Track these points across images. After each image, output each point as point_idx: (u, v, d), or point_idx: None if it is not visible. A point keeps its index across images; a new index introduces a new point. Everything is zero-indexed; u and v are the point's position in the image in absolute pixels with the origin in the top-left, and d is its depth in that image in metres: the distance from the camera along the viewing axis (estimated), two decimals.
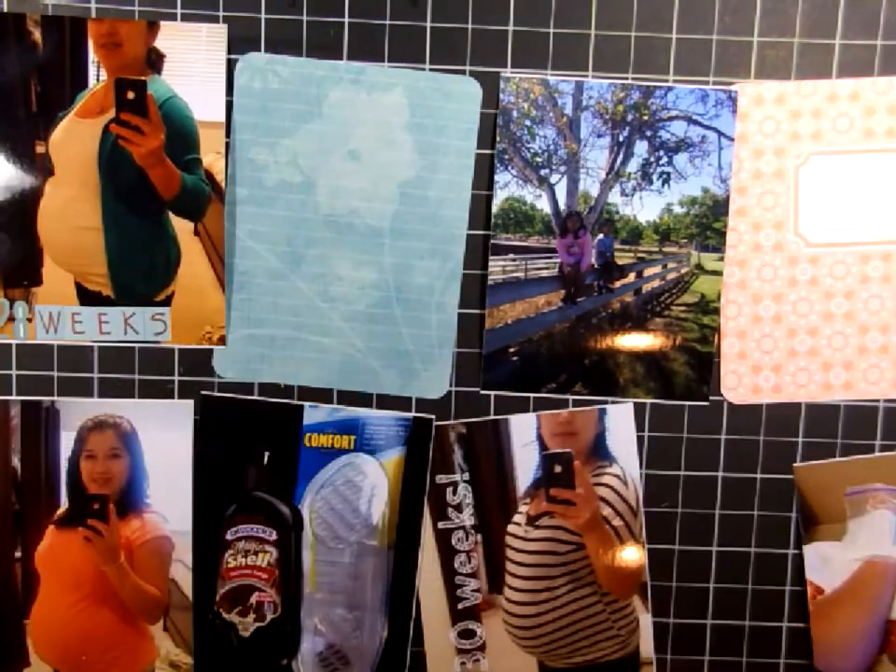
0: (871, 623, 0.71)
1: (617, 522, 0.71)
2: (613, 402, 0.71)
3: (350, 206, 0.69)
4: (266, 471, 0.71)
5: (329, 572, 0.72)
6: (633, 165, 0.69)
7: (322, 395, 0.71)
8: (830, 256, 0.69)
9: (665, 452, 0.71)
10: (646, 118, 0.68)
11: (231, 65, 0.67)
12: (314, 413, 0.71)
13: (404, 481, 0.71)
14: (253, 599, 0.71)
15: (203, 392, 0.71)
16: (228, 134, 0.68)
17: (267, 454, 0.71)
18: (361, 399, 0.71)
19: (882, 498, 0.71)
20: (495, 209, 0.69)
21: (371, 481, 0.71)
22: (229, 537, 0.71)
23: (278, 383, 0.71)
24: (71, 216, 0.68)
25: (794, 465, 0.71)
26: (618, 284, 0.71)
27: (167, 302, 0.70)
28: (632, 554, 0.71)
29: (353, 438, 0.71)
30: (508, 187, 0.69)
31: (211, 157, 0.68)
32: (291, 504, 0.71)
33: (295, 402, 0.71)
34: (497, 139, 0.68)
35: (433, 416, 0.71)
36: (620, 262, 0.70)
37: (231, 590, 0.71)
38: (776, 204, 0.68)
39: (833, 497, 0.71)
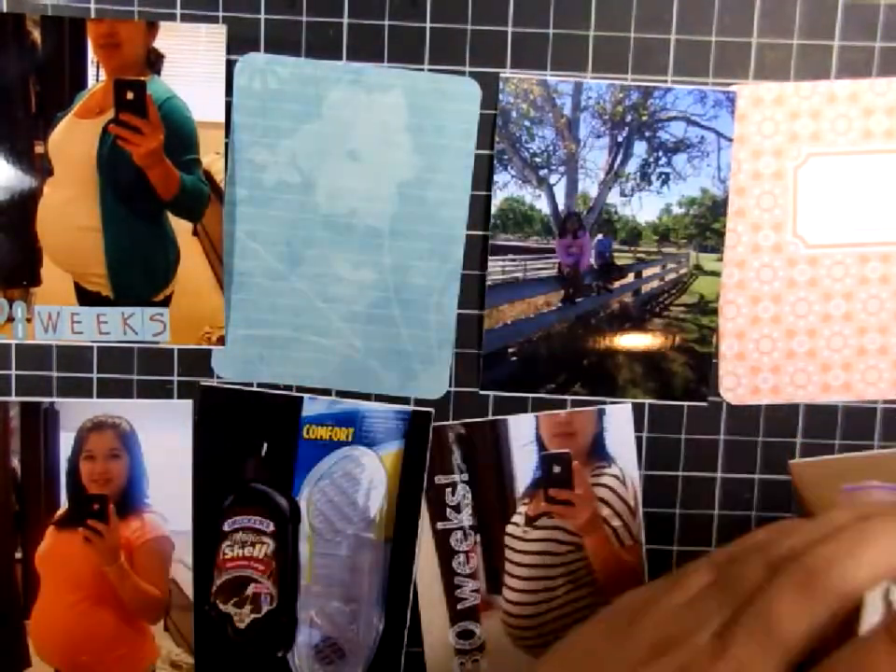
0: None
1: (616, 522, 0.71)
2: (612, 403, 0.71)
3: (349, 207, 0.69)
4: (264, 463, 0.71)
5: (325, 564, 0.72)
6: (632, 166, 0.69)
7: (320, 394, 0.71)
8: (828, 257, 0.69)
9: (664, 452, 0.71)
10: (645, 118, 0.68)
11: (230, 66, 0.67)
12: (313, 405, 0.71)
13: (402, 474, 0.71)
14: (249, 591, 0.71)
15: (203, 383, 0.71)
16: (227, 135, 0.68)
17: (265, 445, 0.71)
18: (360, 398, 0.71)
19: (878, 496, 0.71)
20: (494, 209, 0.69)
21: (370, 473, 0.71)
22: (226, 528, 0.71)
23: (277, 383, 0.71)
24: (70, 216, 0.68)
25: (791, 462, 0.71)
26: (617, 284, 0.71)
27: (166, 303, 0.70)
28: (631, 555, 0.71)
29: (351, 430, 0.71)
30: (507, 187, 0.69)
31: (210, 157, 0.68)
32: (289, 496, 0.71)
33: (294, 394, 0.71)
34: (496, 140, 0.68)
35: (432, 410, 0.71)
36: (619, 263, 0.70)
37: (227, 581, 0.71)
38: (774, 205, 0.69)
39: (828, 494, 0.71)
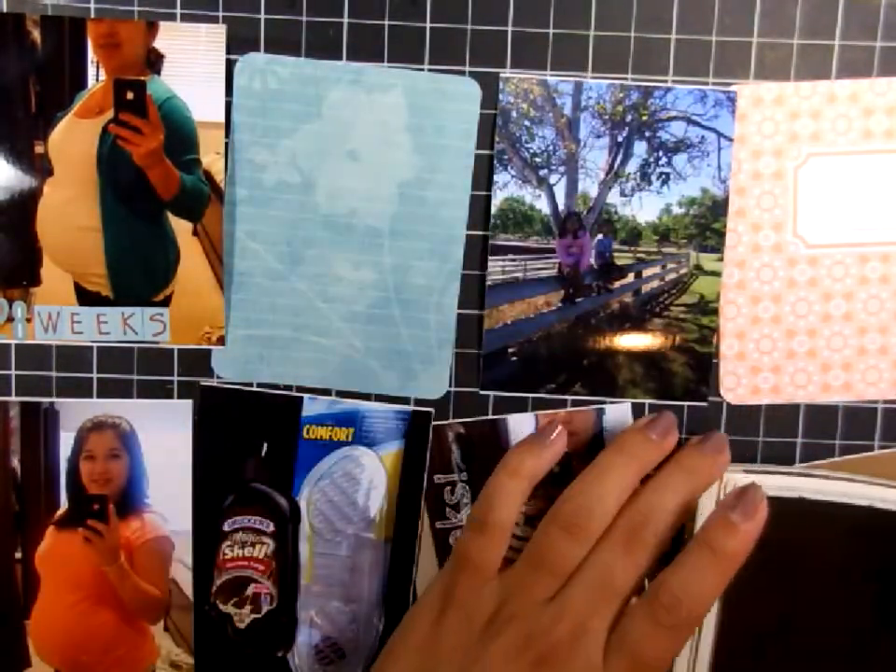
0: None
1: None
2: (612, 403, 0.71)
3: (349, 207, 0.69)
4: (264, 463, 0.71)
5: (325, 564, 0.72)
6: (632, 166, 0.69)
7: (320, 394, 0.71)
8: (828, 257, 0.69)
9: None
10: (645, 118, 0.68)
11: (230, 66, 0.67)
12: (313, 405, 0.71)
13: (402, 474, 0.71)
14: (249, 591, 0.71)
15: (203, 383, 0.71)
16: (227, 135, 0.68)
17: (266, 445, 0.71)
18: (360, 398, 0.71)
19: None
20: (494, 209, 0.69)
21: (369, 474, 0.71)
22: (226, 528, 0.71)
23: (277, 383, 0.71)
24: (70, 216, 0.68)
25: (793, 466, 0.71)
26: (617, 284, 0.71)
27: (166, 303, 0.70)
28: None
29: (352, 430, 0.71)
30: (507, 187, 0.69)
31: (210, 157, 0.68)
32: (289, 496, 0.71)
33: (294, 394, 0.71)
34: (496, 140, 0.68)
35: (432, 410, 0.71)
36: (619, 263, 0.70)
37: (227, 581, 0.71)
38: (775, 205, 0.69)
39: None
